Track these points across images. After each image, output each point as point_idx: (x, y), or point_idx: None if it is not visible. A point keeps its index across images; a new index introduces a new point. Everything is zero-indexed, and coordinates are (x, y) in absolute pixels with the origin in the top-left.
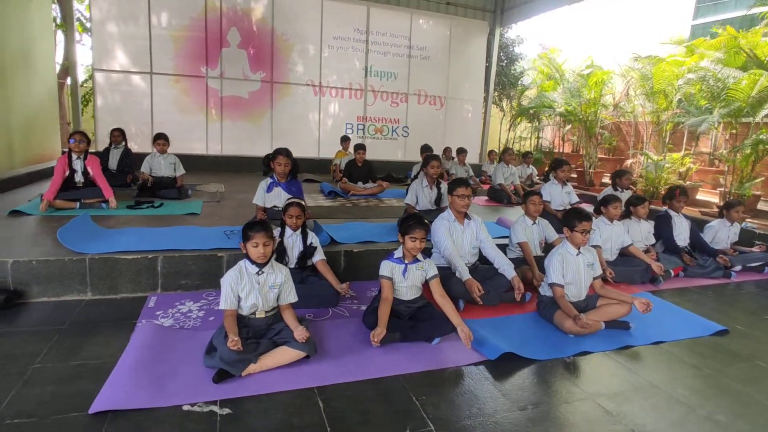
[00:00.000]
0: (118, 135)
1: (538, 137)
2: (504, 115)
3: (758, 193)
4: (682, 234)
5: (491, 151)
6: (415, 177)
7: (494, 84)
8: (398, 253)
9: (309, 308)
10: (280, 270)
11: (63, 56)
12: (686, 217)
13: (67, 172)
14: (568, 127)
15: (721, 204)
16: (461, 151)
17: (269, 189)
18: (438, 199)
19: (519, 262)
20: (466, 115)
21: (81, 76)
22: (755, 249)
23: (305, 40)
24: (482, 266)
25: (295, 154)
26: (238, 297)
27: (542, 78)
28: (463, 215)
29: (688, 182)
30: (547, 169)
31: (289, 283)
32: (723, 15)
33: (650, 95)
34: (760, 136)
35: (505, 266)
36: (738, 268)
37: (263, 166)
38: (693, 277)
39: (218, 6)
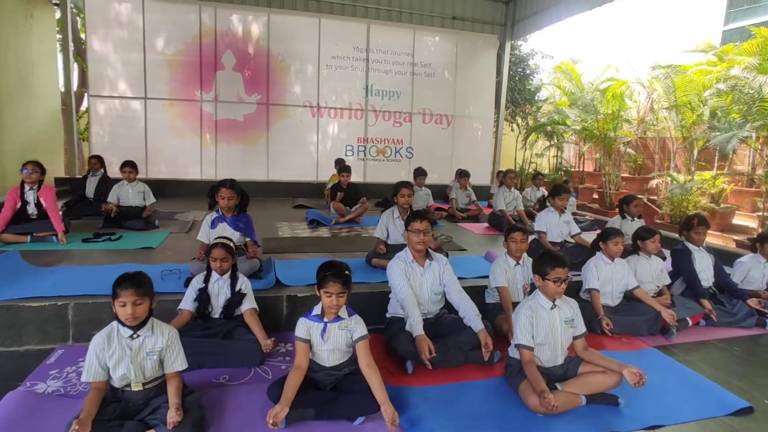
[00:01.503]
0: (96, 162)
1: (556, 156)
2: (519, 133)
3: None
4: (704, 272)
5: (498, 173)
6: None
7: (506, 100)
8: (317, 310)
9: (230, 367)
10: (162, 332)
11: (78, 83)
12: (709, 250)
13: (19, 204)
14: (587, 145)
15: (756, 235)
16: (463, 174)
17: (213, 224)
18: None
19: (498, 310)
20: (476, 134)
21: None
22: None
23: (302, 60)
24: (448, 316)
25: (293, 177)
26: (106, 366)
27: (559, 92)
28: (424, 254)
29: (722, 205)
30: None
31: (174, 347)
32: (759, 18)
33: (674, 108)
34: None
35: (472, 317)
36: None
37: (208, 198)
38: (718, 327)
39: (213, 29)
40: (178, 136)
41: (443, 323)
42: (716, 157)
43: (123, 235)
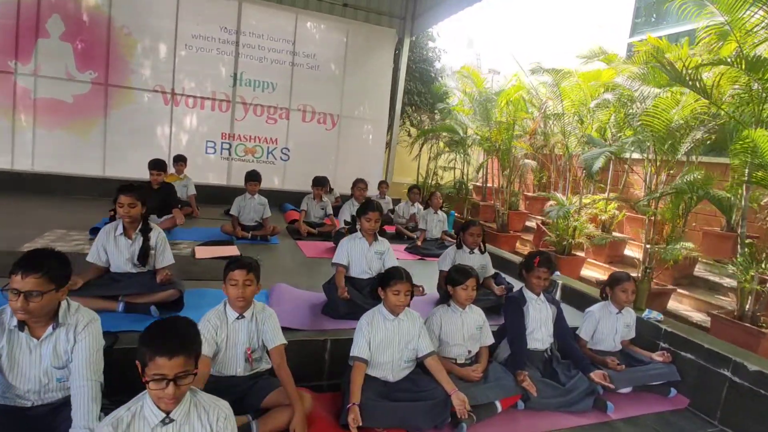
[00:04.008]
0: None
1: (459, 168)
2: (413, 141)
3: (695, 254)
4: (538, 329)
5: (381, 183)
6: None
7: (405, 104)
8: None
9: None
10: None
11: None
12: (552, 301)
13: None
14: (486, 158)
15: (606, 277)
16: (317, 183)
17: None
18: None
19: None
20: (366, 138)
21: None
22: (655, 357)
23: (154, 35)
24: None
25: (137, 175)
26: None
27: (467, 99)
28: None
29: (615, 234)
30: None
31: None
32: (664, 31)
33: (559, 119)
34: (685, 180)
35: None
36: (625, 390)
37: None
38: (539, 410)
39: None
40: None
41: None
42: (608, 179)
43: None
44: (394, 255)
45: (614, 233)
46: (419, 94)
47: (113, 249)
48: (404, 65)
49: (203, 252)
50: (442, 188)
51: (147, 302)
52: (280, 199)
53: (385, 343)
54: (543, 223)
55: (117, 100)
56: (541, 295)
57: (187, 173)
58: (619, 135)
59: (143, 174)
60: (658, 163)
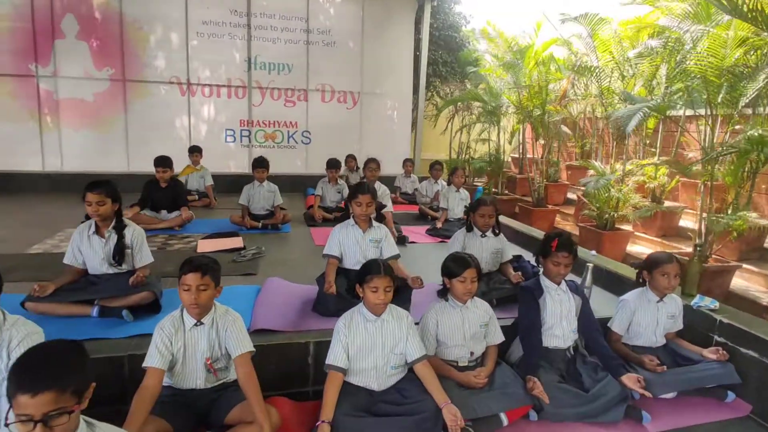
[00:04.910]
0: None
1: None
2: (455, 113)
3: (765, 222)
4: (558, 325)
5: (406, 161)
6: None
7: (431, 75)
8: None
9: None
10: None
11: None
12: (575, 290)
13: None
14: (517, 126)
15: (645, 258)
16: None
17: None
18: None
19: None
20: (390, 115)
21: None
22: (708, 353)
23: (165, 26)
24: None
25: None
26: None
27: (494, 61)
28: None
29: (667, 203)
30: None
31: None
32: None
33: (594, 74)
34: (748, 137)
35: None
36: (669, 395)
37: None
38: (557, 422)
39: None
40: (12, 121)
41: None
42: (658, 142)
43: None
44: (393, 242)
45: (666, 202)
46: (445, 64)
47: (88, 249)
48: (426, 34)
49: (206, 245)
50: (474, 162)
51: (121, 306)
52: (303, 185)
53: (366, 347)
54: (584, 194)
55: (135, 95)
56: (563, 284)
57: (207, 164)
58: (669, 90)
59: None
60: (713, 119)
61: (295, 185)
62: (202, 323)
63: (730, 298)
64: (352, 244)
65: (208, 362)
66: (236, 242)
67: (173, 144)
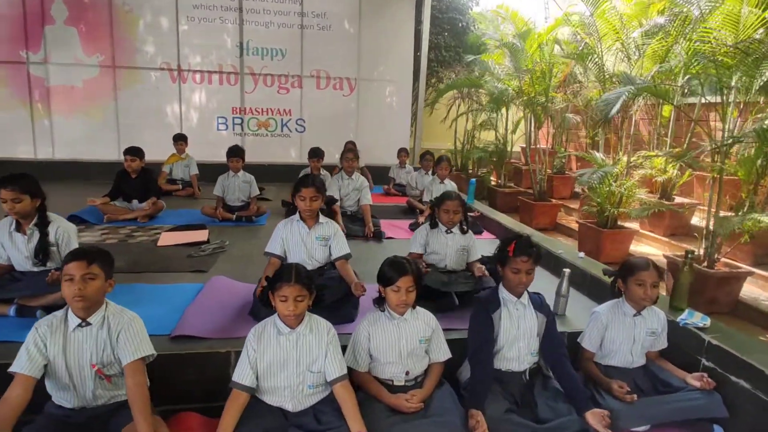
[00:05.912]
0: None
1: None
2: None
3: None
4: (513, 345)
5: (400, 150)
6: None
7: (433, 60)
8: None
9: None
10: None
11: None
12: (539, 307)
13: None
14: (521, 115)
15: (620, 265)
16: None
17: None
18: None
19: None
20: (389, 102)
21: None
22: (691, 380)
23: (155, 10)
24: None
25: (152, 157)
26: None
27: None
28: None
29: (678, 199)
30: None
31: None
32: None
33: (594, 57)
34: (765, 125)
35: None
36: (641, 429)
37: None
38: None
39: None
40: (1, 107)
41: None
42: (669, 133)
43: None
44: (344, 241)
45: (677, 198)
46: (448, 49)
47: (10, 246)
48: (428, 16)
49: (167, 238)
50: (474, 152)
51: (37, 305)
52: (297, 174)
53: (277, 363)
54: (588, 188)
55: (125, 81)
56: (524, 297)
57: (198, 152)
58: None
59: (158, 155)
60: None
61: (289, 175)
62: (88, 323)
63: (738, 308)
64: (297, 242)
65: (95, 368)
66: (200, 235)
67: (164, 131)
